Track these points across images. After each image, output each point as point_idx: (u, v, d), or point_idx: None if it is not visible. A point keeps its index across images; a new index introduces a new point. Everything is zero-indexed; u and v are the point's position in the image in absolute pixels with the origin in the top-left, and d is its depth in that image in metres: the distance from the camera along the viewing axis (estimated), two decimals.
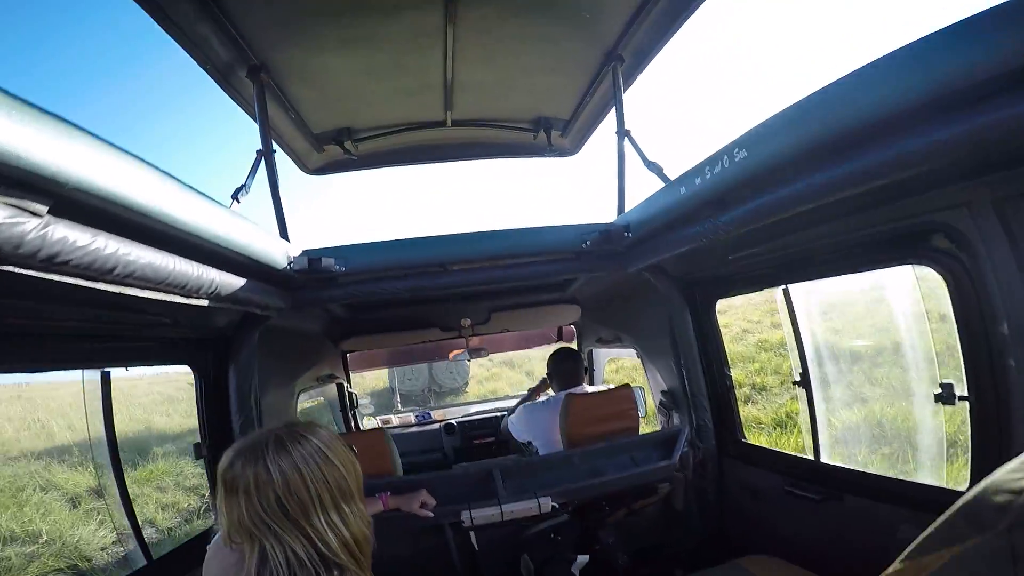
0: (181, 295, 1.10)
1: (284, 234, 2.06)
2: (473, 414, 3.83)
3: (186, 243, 1.03)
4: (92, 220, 0.77)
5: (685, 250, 1.69)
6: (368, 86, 2.22)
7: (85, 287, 0.82)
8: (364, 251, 1.95)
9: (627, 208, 2.17)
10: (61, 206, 0.69)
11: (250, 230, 1.33)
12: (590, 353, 3.54)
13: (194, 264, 1.08)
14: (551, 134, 2.75)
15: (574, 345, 3.90)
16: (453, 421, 3.65)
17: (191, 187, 1.01)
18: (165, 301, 1.08)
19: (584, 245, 2.03)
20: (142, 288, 0.96)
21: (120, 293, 0.92)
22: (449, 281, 2.04)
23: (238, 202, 1.89)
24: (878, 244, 1.51)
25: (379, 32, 1.80)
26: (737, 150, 1.21)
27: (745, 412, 7.06)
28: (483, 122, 2.68)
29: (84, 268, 0.75)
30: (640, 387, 2.86)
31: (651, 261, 2.00)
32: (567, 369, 2.41)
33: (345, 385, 3.46)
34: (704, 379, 2.26)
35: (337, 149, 2.66)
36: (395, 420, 4.03)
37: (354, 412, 3.60)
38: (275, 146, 2.14)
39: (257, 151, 2.02)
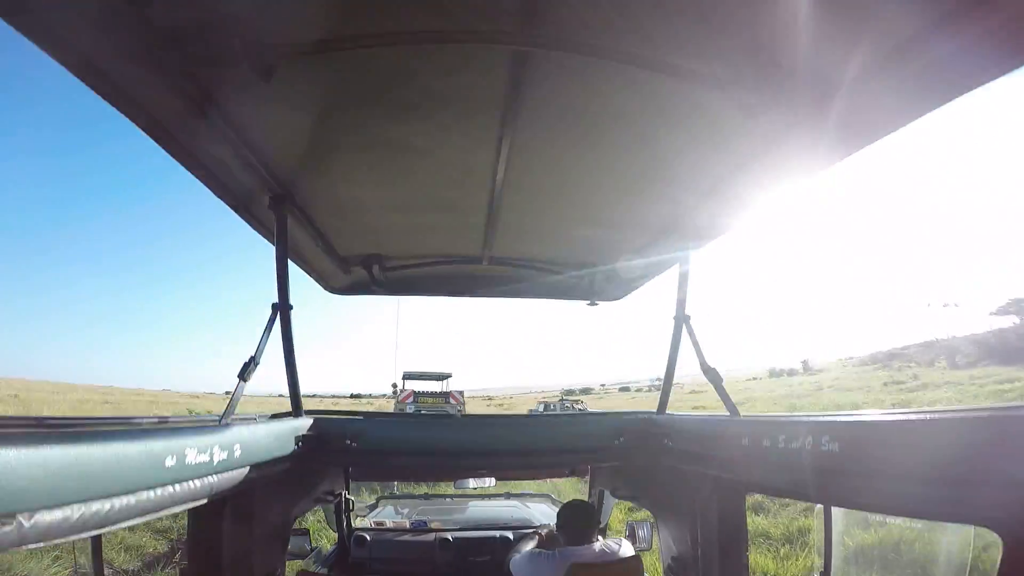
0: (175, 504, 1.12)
1: (297, 407, 1.99)
2: (472, 528, 3.70)
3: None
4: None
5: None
6: (402, 219, 2.12)
7: None
8: (378, 430, 2.07)
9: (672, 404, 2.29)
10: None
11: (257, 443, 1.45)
12: (601, 493, 3.19)
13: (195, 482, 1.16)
14: (596, 279, 2.70)
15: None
16: (449, 536, 3.46)
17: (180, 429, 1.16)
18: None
19: (617, 441, 2.12)
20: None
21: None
22: (468, 465, 2.24)
23: (245, 381, 1.72)
24: None
25: (418, 168, 1.68)
26: (827, 440, 1.08)
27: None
28: (524, 262, 2.61)
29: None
30: (647, 521, 2.91)
31: (687, 468, 1.97)
32: (579, 526, 2.37)
33: (344, 493, 3.18)
34: (719, 563, 1.94)
35: (364, 272, 2.60)
36: (389, 523, 3.91)
37: (347, 515, 3.39)
38: (292, 264, 2.13)
39: (273, 304, 1.88)
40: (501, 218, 2.04)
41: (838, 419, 1.16)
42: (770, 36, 1.00)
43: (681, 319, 2.14)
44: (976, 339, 31.82)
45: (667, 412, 2.30)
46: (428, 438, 2.15)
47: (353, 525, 3.64)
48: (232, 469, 1.33)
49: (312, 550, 3.26)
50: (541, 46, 1.04)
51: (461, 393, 14.08)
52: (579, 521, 2.42)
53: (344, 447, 1.99)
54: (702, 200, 1.80)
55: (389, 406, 20.85)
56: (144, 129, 1.29)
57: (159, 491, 1.03)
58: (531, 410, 33.02)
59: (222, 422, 1.48)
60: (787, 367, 60.15)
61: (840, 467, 1.08)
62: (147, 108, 1.24)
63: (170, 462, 1.05)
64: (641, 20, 1.01)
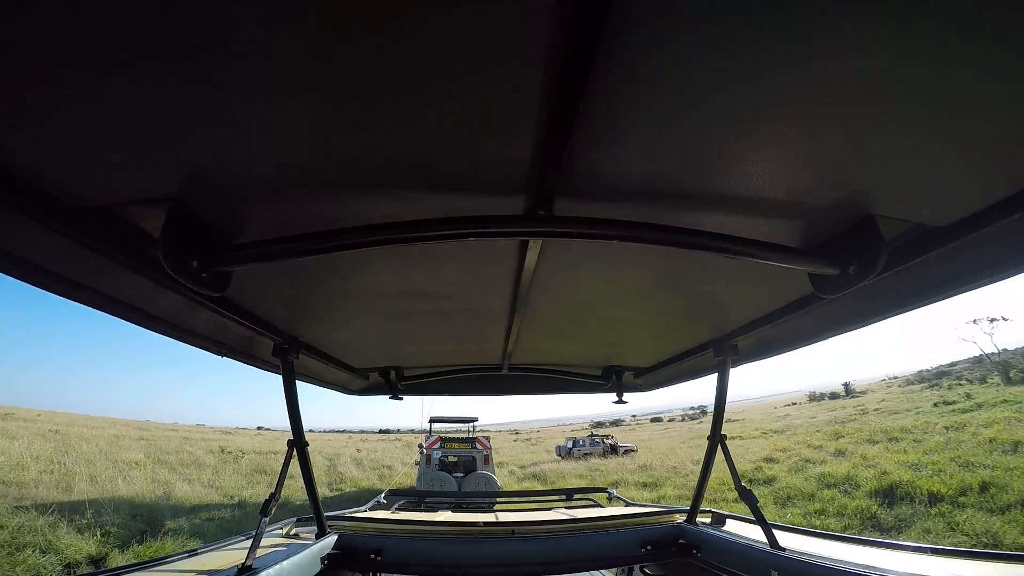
0: None
1: (321, 526, 2.13)
2: None
3: None
4: None
5: None
6: (418, 341, 2.08)
7: None
8: (402, 545, 2.13)
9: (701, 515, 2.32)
10: None
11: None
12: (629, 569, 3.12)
13: None
14: (623, 377, 2.65)
15: None
16: None
17: None
18: None
19: (645, 550, 2.19)
20: None
21: None
22: None
23: (266, 517, 1.76)
24: None
25: (433, 307, 1.63)
26: None
27: None
28: (546, 369, 2.59)
29: None
30: None
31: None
32: None
33: None
34: None
35: (381, 379, 2.57)
36: None
37: None
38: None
39: (289, 442, 1.93)
40: (521, 335, 1.99)
41: (852, 572, 1.35)
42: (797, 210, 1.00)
43: (716, 439, 2.16)
44: None
45: (696, 522, 2.32)
46: (452, 554, 2.17)
47: None
48: None
49: None
50: (554, 235, 0.98)
51: (487, 439, 13.81)
52: None
53: (369, 560, 2.12)
54: (743, 308, 1.69)
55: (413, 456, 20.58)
56: (152, 329, 1.33)
57: None
58: (559, 446, 32.29)
59: (250, 559, 1.57)
60: (828, 390, 58.16)
61: None
62: (158, 313, 1.29)
63: None
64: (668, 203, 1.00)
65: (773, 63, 0.62)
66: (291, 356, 1.78)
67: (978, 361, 37.18)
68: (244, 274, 1.22)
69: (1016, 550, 1.50)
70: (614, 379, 2.63)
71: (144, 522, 10.41)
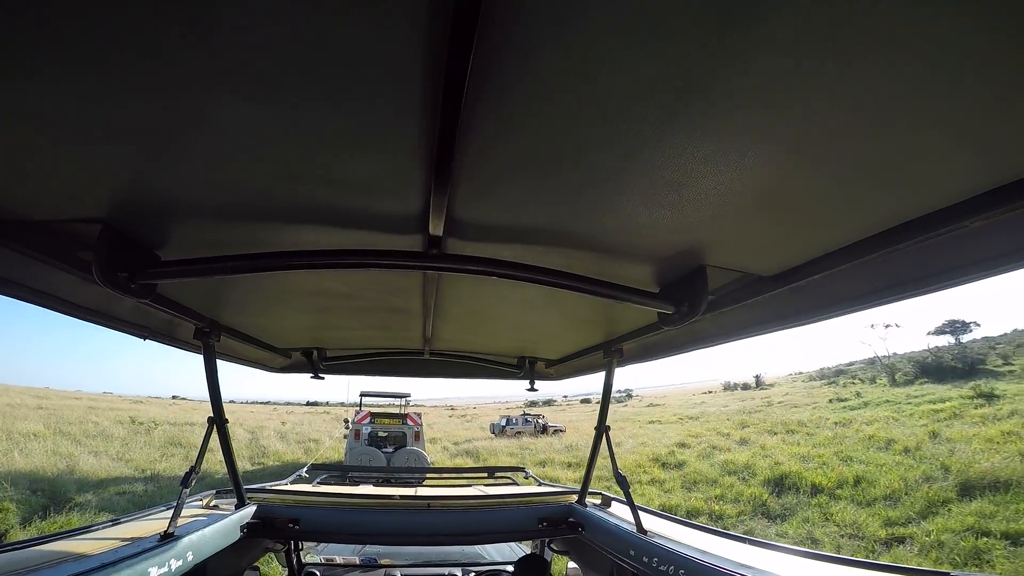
0: None
1: (241, 497, 2.24)
2: (421, 565, 3.71)
3: None
4: None
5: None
6: (338, 328, 2.16)
7: None
8: (320, 515, 2.24)
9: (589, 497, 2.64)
10: None
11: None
12: (543, 543, 3.32)
13: None
14: (535, 366, 2.85)
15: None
16: (399, 573, 3.51)
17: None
18: None
19: (541, 525, 2.47)
20: None
21: None
22: (404, 543, 2.48)
23: (187, 488, 1.82)
24: None
25: (348, 303, 1.74)
26: (683, 573, 1.64)
27: None
28: (464, 355, 2.74)
29: None
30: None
31: (599, 552, 2.30)
32: None
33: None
34: None
35: (303, 359, 2.66)
36: (339, 559, 3.85)
37: (297, 553, 3.36)
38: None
39: (209, 419, 2.00)
40: (436, 327, 2.14)
41: (698, 560, 1.63)
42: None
43: (602, 429, 2.38)
44: (914, 357, 33.74)
45: (586, 503, 2.63)
46: (368, 523, 2.34)
47: (303, 561, 3.65)
48: (185, 571, 1.63)
49: None
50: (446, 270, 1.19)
51: (419, 415, 13.85)
52: (529, 572, 2.64)
53: (287, 529, 2.28)
54: (626, 321, 1.90)
55: (339, 430, 20.28)
56: (78, 318, 1.38)
57: None
58: (493, 424, 32.87)
59: (172, 527, 1.68)
60: (742, 381, 62.18)
61: None
62: (83, 303, 1.35)
63: None
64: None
65: (616, 139, 0.75)
66: (212, 339, 1.86)
67: (872, 363, 41.08)
68: (177, 287, 1.44)
69: (852, 557, 1.79)
70: (527, 367, 2.84)
71: (47, 497, 9.82)
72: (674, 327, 1.42)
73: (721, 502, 11.48)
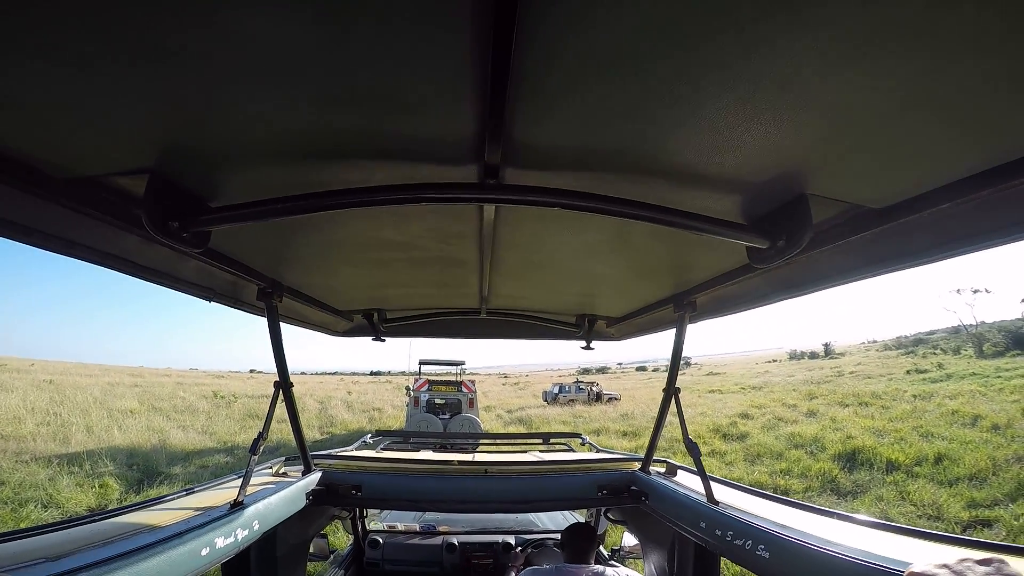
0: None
1: (307, 464, 2.29)
2: (477, 532, 4.00)
3: None
4: None
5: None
6: (397, 285, 2.16)
7: None
8: (380, 481, 2.32)
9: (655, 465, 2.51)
10: None
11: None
12: (598, 512, 3.39)
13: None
14: (595, 325, 2.77)
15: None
16: (455, 540, 3.80)
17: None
18: None
19: (601, 494, 2.40)
20: None
21: None
22: (462, 511, 2.39)
23: (255, 455, 1.84)
24: None
25: (407, 256, 1.74)
26: (762, 548, 1.50)
27: None
28: (520, 313, 2.70)
29: None
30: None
31: (661, 523, 2.22)
32: (578, 546, 2.57)
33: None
34: None
35: (365, 321, 2.70)
36: (400, 527, 4.15)
37: (362, 520, 3.80)
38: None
39: (275, 383, 2.02)
40: (493, 282, 2.09)
41: (775, 533, 1.53)
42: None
43: (671, 392, 2.25)
44: (1006, 327, 30.90)
45: (649, 471, 2.50)
46: (427, 489, 2.38)
47: (367, 528, 3.95)
48: (254, 539, 1.66)
49: (332, 552, 3.56)
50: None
51: (473, 382, 14.29)
52: (579, 542, 2.61)
53: (350, 496, 2.32)
54: (702, 267, 1.75)
55: (402, 399, 21.13)
56: (144, 279, 1.42)
57: (199, 571, 1.35)
58: (545, 391, 33.27)
59: (241, 495, 1.71)
60: (809, 349, 59.52)
61: (771, 569, 1.49)
62: (147, 264, 1.38)
63: (204, 551, 1.39)
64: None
65: (699, 43, 0.66)
66: (274, 300, 1.87)
67: (956, 332, 38.09)
68: (241, 243, 1.43)
69: (933, 531, 1.63)
70: (586, 326, 2.76)
71: (141, 471, 10.75)
72: (768, 266, 1.26)
73: (787, 477, 11.09)
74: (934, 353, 31.50)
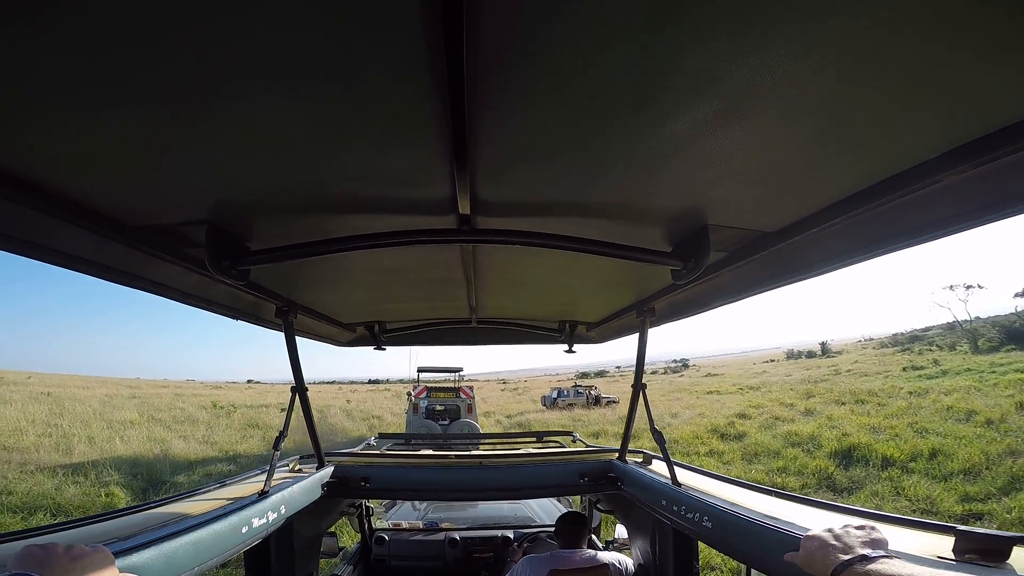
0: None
1: (320, 460, 2.54)
2: (477, 528, 4.24)
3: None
4: None
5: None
6: (396, 300, 2.40)
7: None
8: (386, 474, 2.59)
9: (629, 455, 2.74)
10: None
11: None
12: (590, 502, 3.69)
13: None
14: (576, 329, 3.03)
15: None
16: (457, 535, 4.00)
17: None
18: None
19: (582, 480, 2.66)
20: None
21: None
22: (459, 498, 2.70)
23: (277, 451, 2.07)
24: None
25: (404, 279, 2.00)
26: (707, 519, 1.76)
27: None
28: (507, 322, 2.98)
29: None
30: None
31: (640, 509, 2.46)
32: (571, 532, 2.75)
33: (364, 502, 3.84)
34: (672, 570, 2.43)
35: (366, 332, 2.94)
36: (405, 524, 4.37)
37: (368, 519, 4.00)
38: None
39: (292, 388, 2.24)
40: (480, 295, 2.34)
41: (717, 506, 1.77)
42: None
43: (638, 388, 2.47)
44: (1000, 322, 31.12)
45: (626, 460, 2.75)
46: (428, 479, 2.65)
47: (374, 526, 4.18)
48: (281, 521, 1.93)
49: (340, 549, 3.68)
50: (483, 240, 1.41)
51: (471, 388, 14.39)
52: (572, 528, 2.80)
53: (360, 487, 2.58)
54: (652, 280, 1.99)
55: (402, 406, 21.16)
56: (186, 303, 1.71)
57: (235, 549, 1.60)
58: (544, 396, 33.29)
59: (267, 486, 1.96)
60: (806, 348, 59.64)
61: (711, 536, 1.75)
62: (189, 291, 1.65)
63: (244, 529, 1.65)
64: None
65: (616, 115, 0.83)
66: (291, 316, 2.10)
67: (951, 328, 38.30)
68: (260, 271, 1.69)
69: (840, 503, 1.76)
70: (567, 331, 3.00)
71: (145, 480, 10.88)
72: (684, 282, 1.53)
73: (783, 474, 11.20)
74: (930, 350, 31.66)
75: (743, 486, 2.13)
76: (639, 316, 2.32)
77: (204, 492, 1.99)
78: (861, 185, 1.03)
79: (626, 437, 2.71)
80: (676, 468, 2.22)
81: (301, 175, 1.05)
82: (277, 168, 1.01)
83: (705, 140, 0.90)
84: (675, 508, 2.00)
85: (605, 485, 2.67)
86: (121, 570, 0.94)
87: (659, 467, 2.60)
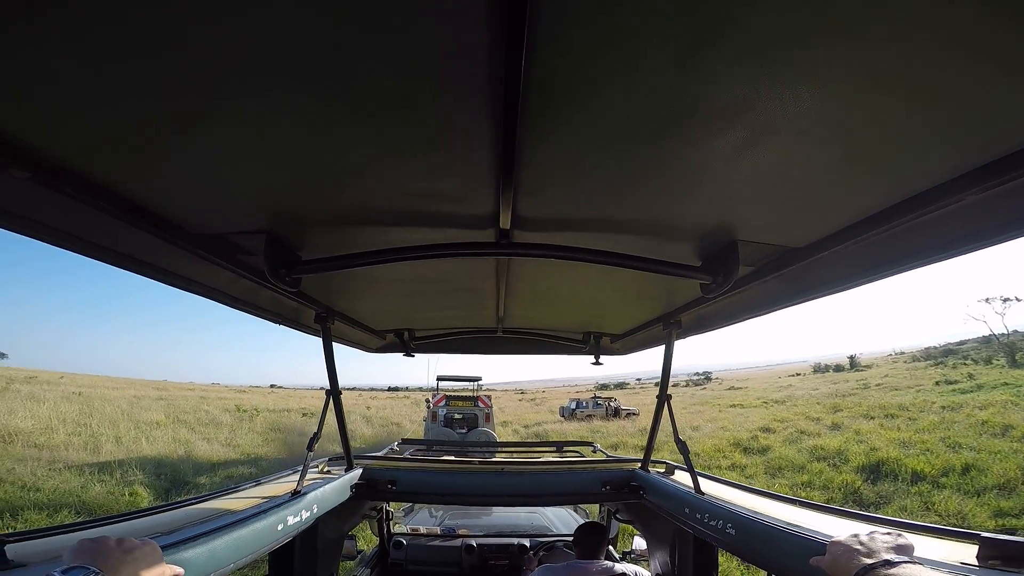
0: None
1: (350, 462, 2.63)
2: (494, 535, 4.25)
3: None
4: None
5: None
6: (426, 309, 2.48)
7: None
8: (411, 477, 2.65)
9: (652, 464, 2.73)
10: None
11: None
12: (609, 512, 3.66)
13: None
14: (601, 341, 3.03)
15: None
16: (474, 542, 4.01)
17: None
18: None
19: (604, 489, 2.65)
20: None
21: None
22: (482, 503, 2.78)
23: (311, 452, 2.16)
24: None
25: (433, 285, 2.04)
26: (730, 526, 1.76)
27: None
28: (533, 332, 3.00)
29: None
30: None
31: (661, 516, 2.43)
32: (588, 542, 2.70)
33: (384, 506, 3.87)
34: None
35: (396, 339, 3.02)
36: (423, 530, 4.40)
37: (388, 523, 4.04)
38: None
39: (326, 391, 2.33)
40: (508, 306, 2.39)
41: (740, 513, 1.77)
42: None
43: (663, 399, 2.49)
44: None
45: (648, 469, 2.73)
46: (451, 484, 2.69)
47: (392, 531, 4.23)
48: (311, 520, 1.99)
49: (359, 553, 3.73)
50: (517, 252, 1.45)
51: (489, 397, 14.41)
52: (590, 538, 2.75)
53: (386, 489, 2.66)
54: (680, 293, 2.00)
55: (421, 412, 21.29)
56: (235, 307, 1.81)
57: (269, 546, 1.65)
58: (562, 407, 33.00)
59: (300, 486, 2.04)
60: (834, 362, 58.09)
61: (735, 543, 1.76)
62: (239, 295, 1.74)
63: (280, 527, 1.71)
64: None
65: (653, 136, 0.88)
66: (329, 322, 2.18)
67: (986, 341, 36.86)
68: (305, 279, 1.76)
69: (865, 512, 1.71)
70: (592, 342, 3.01)
71: (168, 480, 11.08)
72: (713, 296, 1.57)
73: (808, 488, 10.88)
74: (964, 363, 30.50)
75: (765, 495, 2.12)
76: (665, 328, 2.34)
77: (241, 490, 2.07)
78: (886, 203, 1.06)
79: (649, 447, 2.72)
80: (699, 478, 2.22)
81: (355, 191, 1.12)
82: (333, 183, 1.07)
83: (734, 161, 0.95)
84: (698, 516, 2.00)
85: (627, 494, 2.67)
86: (168, 563, 0.97)
87: (681, 477, 2.59)
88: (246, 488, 2.10)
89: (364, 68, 0.70)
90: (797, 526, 1.56)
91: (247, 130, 0.85)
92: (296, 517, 1.83)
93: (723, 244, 1.39)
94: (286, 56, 0.68)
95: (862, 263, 1.30)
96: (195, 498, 1.86)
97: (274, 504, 1.80)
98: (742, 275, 1.51)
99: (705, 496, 2.08)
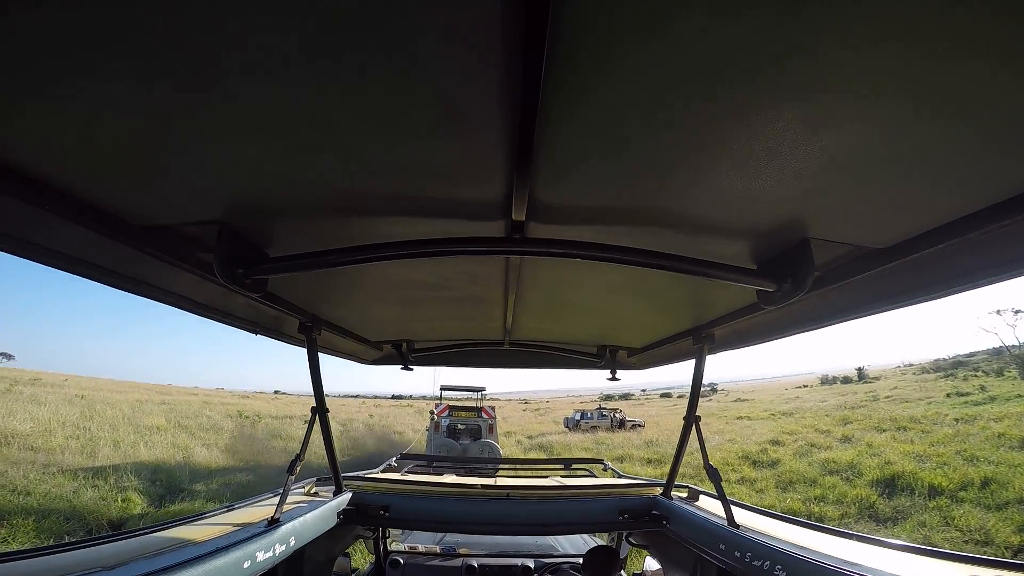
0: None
1: (338, 485, 2.38)
2: (496, 555, 3.95)
3: None
4: None
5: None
6: (426, 319, 2.25)
7: None
8: (407, 503, 2.38)
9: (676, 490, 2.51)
10: None
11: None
12: (620, 535, 3.39)
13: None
14: (617, 355, 2.82)
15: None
16: (475, 562, 3.73)
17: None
18: None
19: (622, 517, 2.41)
20: None
21: None
22: (487, 532, 2.48)
23: (292, 475, 1.94)
24: None
25: (435, 294, 1.83)
26: (779, 568, 1.54)
27: None
28: (542, 345, 2.76)
29: None
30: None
31: (682, 547, 2.23)
32: (600, 570, 2.59)
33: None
34: None
35: (394, 351, 2.81)
36: (421, 548, 4.11)
37: (384, 541, 3.78)
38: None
39: (312, 408, 2.12)
40: (517, 316, 2.16)
41: (792, 553, 1.54)
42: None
43: (691, 420, 2.27)
44: None
45: (671, 496, 2.49)
46: (450, 512, 2.43)
47: (389, 548, 3.97)
48: (290, 552, 1.75)
49: (353, 571, 3.55)
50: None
51: (493, 408, 14.34)
52: (598, 563, 2.59)
53: (378, 516, 2.39)
54: (718, 304, 1.79)
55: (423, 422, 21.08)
56: (199, 314, 1.57)
57: None
58: (567, 418, 32.68)
59: (278, 513, 1.80)
60: (841, 374, 57.61)
61: None
62: (204, 301, 1.51)
63: (246, 564, 1.47)
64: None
65: (703, 108, 0.69)
66: (314, 333, 1.97)
67: (997, 353, 36.40)
68: (284, 284, 1.55)
69: (962, 551, 1.56)
70: (608, 356, 2.79)
71: (163, 487, 10.91)
72: (775, 307, 1.31)
73: (821, 503, 10.61)
74: (975, 375, 30.08)
75: (812, 528, 1.92)
76: (696, 343, 2.13)
77: (210, 516, 1.86)
78: (993, 199, 0.85)
79: (673, 471, 2.49)
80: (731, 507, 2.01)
81: (332, 168, 0.89)
82: (304, 159, 0.85)
83: (806, 139, 0.75)
84: (736, 554, 1.78)
85: (648, 523, 2.43)
86: None
87: (707, 503, 2.39)
88: (218, 514, 1.88)
89: (340, 2, 0.54)
90: (860, 566, 1.36)
91: (190, 95, 0.66)
92: (267, 552, 1.58)
93: (791, 243, 1.16)
94: None
95: (948, 270, 1.07)
96: (157, 526, 1.65)
97: (243, 536, 1.57)
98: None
99: (741, 529, 1.87)
